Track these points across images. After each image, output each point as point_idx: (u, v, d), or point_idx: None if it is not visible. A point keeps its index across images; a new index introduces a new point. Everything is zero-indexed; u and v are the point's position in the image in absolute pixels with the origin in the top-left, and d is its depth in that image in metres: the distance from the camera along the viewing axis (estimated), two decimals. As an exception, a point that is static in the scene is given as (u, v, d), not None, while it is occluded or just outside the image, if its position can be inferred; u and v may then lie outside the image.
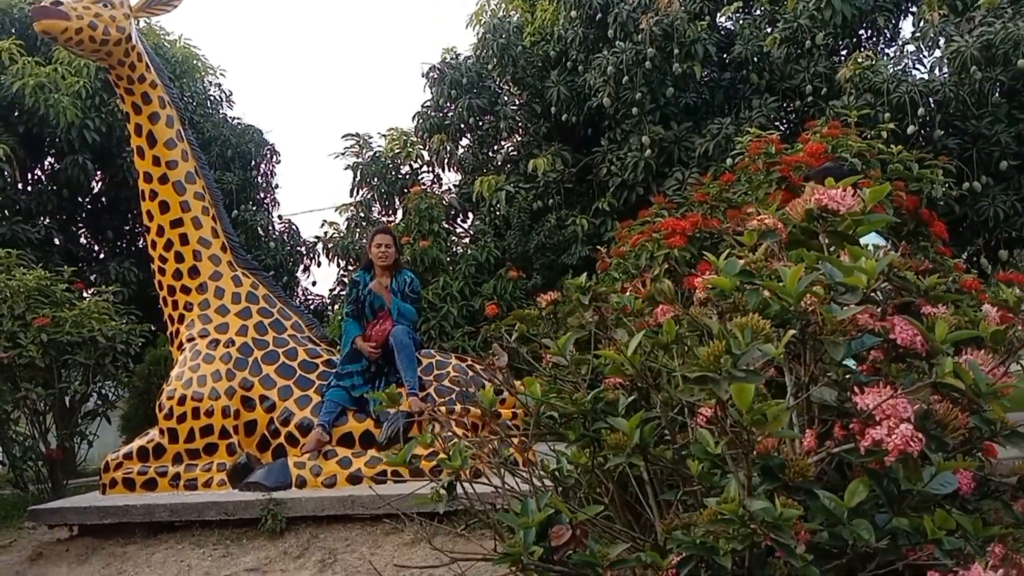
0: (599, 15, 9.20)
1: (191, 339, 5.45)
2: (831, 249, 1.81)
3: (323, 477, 4.99)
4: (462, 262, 8.78)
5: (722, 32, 9.78)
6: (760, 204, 5.12)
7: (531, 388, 2.02)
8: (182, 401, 5.19)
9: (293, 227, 12.84)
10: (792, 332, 1.32)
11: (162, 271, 5.56)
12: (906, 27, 11.10)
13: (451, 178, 11.34)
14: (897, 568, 1.57)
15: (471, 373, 5.48)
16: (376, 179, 10.77)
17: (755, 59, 9.19)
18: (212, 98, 12.38)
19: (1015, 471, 1.77)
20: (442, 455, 2.48)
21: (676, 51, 8.67)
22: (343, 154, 10.84)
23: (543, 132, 10.21)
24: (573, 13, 9.29)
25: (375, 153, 10.90)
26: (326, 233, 10.92)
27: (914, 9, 10.34)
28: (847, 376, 1.59)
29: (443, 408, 5.19)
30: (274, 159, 12.64)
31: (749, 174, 5.39)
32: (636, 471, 1.96)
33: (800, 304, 1.41)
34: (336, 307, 10.69)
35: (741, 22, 9.65)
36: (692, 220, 5.05)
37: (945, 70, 8.08)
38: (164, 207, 5.50)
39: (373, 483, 4.97)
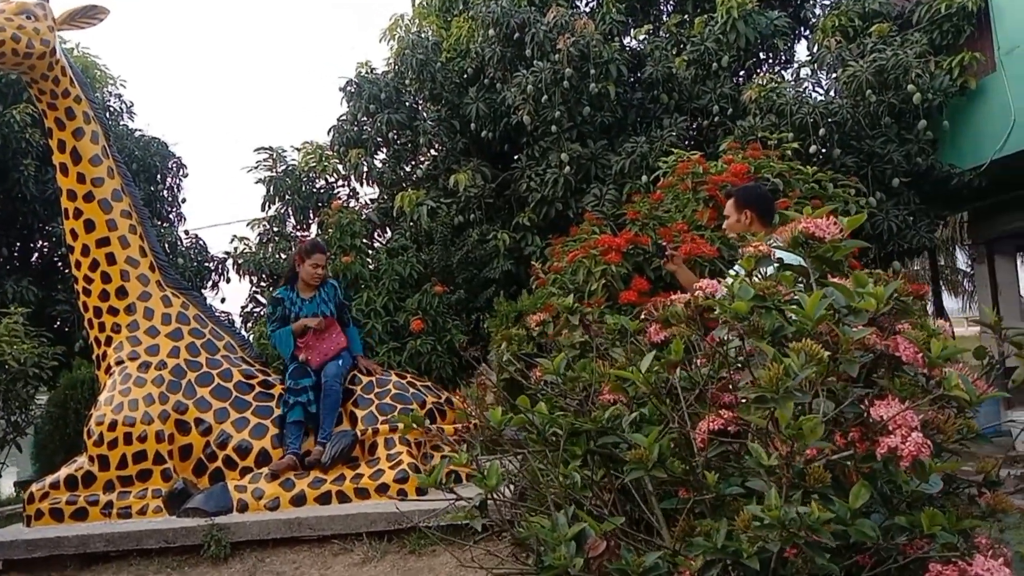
0: (516, 34, 9.38)
1: (120, 362, 5.27)
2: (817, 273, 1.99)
3: (265, 500, 4.92)
4: (385, 277, 8.74)
5: (630, 53, 10.11)
6: (688, 221, 5.38)
7: (538, 407, 2.10)
8: (113, 426, 5.02)
9: (200, 242, 12.46)
10: (827, 354, 1.46)
11: (87, 292, 5.36)
12: (800, 50, 11.77)
13: (366, 192, 11.29)
14: (890, 565, 1.74)
15: (411, 390, 5.51)
16: (290, 193, 10.61)
17: (665, 80, 9.55)
18: (113, 109, 11.91)
19: (980, 469, 1.97)
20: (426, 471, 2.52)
21: (592, 71, 8.93)
22: (256, 167, 10.62)
23: (460, 147, 10.30)
24: (491, 31, 9.43)
25: (289, 167, 10.73)
26: (236, 248, 10.65)
27: (808, 34, 11.03)
28: (845, 389, 1.75)
29: (386, 426, 5.19)
30: (181, 172, 12.26)
31: (676, 192, 5.63)
32: (639, 483, 2.09)
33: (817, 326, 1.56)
34: (250, 324, 10.43)
35: (650, 45, 10.00)
36: (626, 237, 5.25)
37: (843, 93, 8.60)
38: (89, 226, 5.32)
39: (318, 503, 4.94)
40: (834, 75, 9.11)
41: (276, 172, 10.62)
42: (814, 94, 9.49)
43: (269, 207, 10.85)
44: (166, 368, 5.26)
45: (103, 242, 5.33)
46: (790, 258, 3.63)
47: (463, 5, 11.38)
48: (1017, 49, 8.61)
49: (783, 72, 10.94)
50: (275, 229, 10.89)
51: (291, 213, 10.81)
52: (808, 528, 1.41)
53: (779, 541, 1.48)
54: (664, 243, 4.39)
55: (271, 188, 10.56)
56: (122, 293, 5.36)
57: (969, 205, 10.82)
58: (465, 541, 4.65)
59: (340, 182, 11.09)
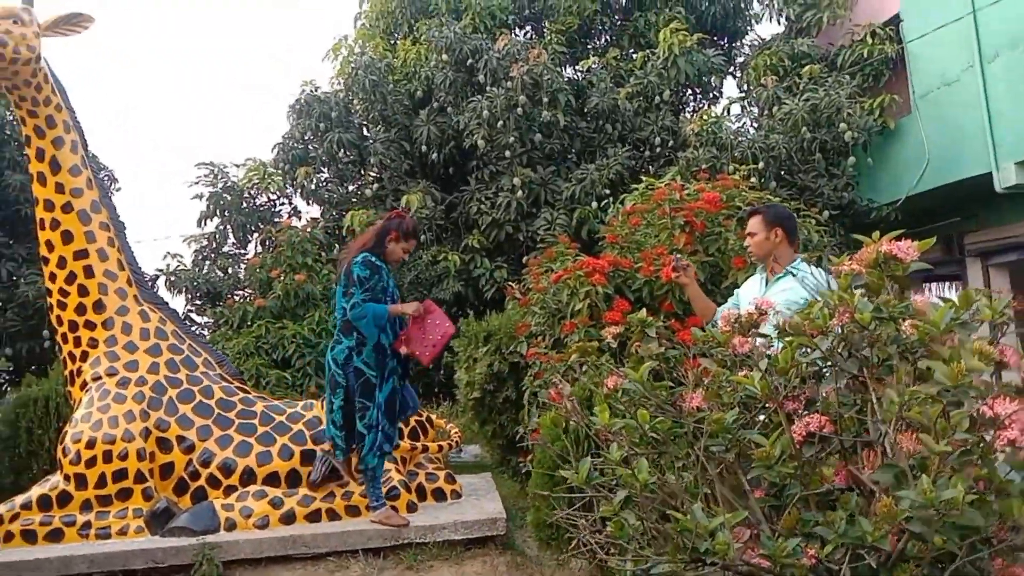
0: (469, 60, 9.58)
1: (97, 377, 5.12)
2: (893, 287, 2.23)
3: (254, 519, 4.86)
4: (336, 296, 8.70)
5: (572, 84, 10.45)
6: (664, 245, 5.66)
7: (641, 412, 2.25)
8: (91, 444, 4.86)
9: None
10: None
11: (62, 305, 5.20)
12: (728, 86, 12.41)
13: (307, 210, 11.22)
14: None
15: (395, 407, 5.55)
16: (230, 210, 10.44)
17: (609, 111, 9.92)
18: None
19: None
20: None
21: (544, 99, 9.21)
22: (196, 182, 10.41)
23: (406, 168, 10.39)
24: (444, 56, 9.61)
25: (229, 183, 10.56)
26: (169, 265, 10.38)
27: (737, 72, 11.66)
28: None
29: (374, 442, 5.21)
30: (112, 187, 11.85)
31: (650, 218, 5.91)
32: (736, 480, 2.28)
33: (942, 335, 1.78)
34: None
35: (592, 76, 10.37)
36: (608, 259, 5.47)
37: (778, 129, 9.14)
38: (67, 237, 5.17)
39: (308, 521, 4.92)
40: (768, 112, 9.67)
41: (216, 188, 10.43)
42: (751, 129, 10.04)
43: (206, 223, 10.66)
44: (146, 384, 5.14)
45: (81, 254, 5.18)
46: (824, 278, 3.86)
47: (408, 28, 11.54)
48: (931, 93, 9.37)
49: (712, 107, 11.54)
50: (213, 246, 10.70)
51: (230, 230, 10.64)
52: (955, 509, 1.62)
53: (920, 523, 1.68)
54: (676, 255, 4.48)
55: (211, 204, 10.37)
56: (99, 307, 5.21)
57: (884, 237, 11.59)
58: (460, 556, 4.77)
59: (282, 199, 11.00)
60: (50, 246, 5.18)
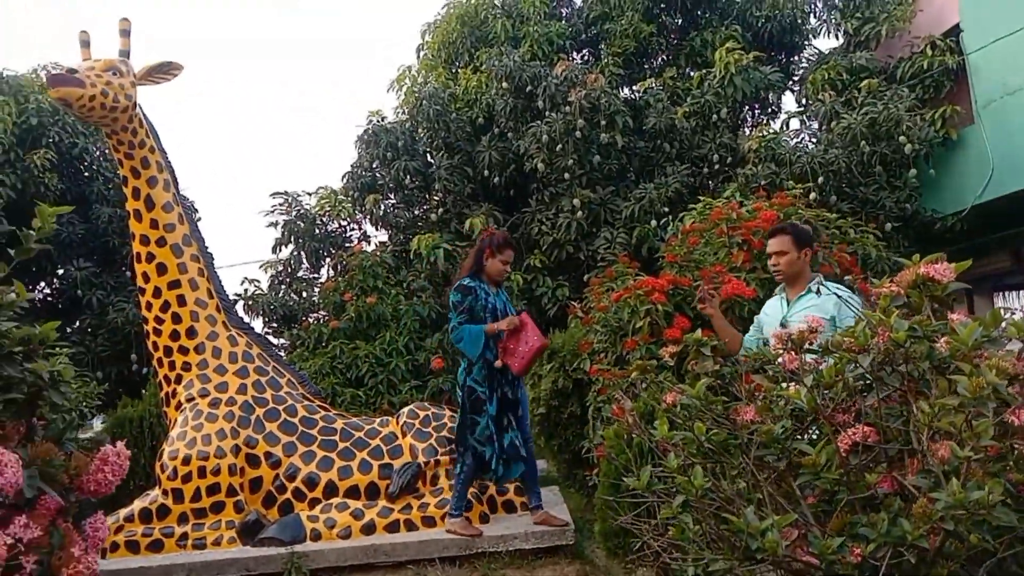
0: (528, 87, 9.88)
1: (191, 399, 5.52)
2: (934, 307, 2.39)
3: (338, 529, 5.17)
4: (405, 317, 9.06)
5: (630, 105, 10.65)
6: (723, 263, 5.81)
7: (697, 425, 2.46)
8: (187, 461, 5.24)
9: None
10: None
11: (158, 332, 5.62)
12: (787, 101, 12.46)
13: (375, 235, 11.65)
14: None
15: (466, 423, 5.82)
16: (303, 236, 10.93)
17: (667, 130, 10.10)
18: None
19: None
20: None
21: (602, 122, 9.45)
22: (272, 211, 10.93)
23: (468, 192, 10.72)
24: (504, 84, 9.93)
25: (302, 211, 11.06)
26: (247, 290, 10.90)
27: (795, 87, 11.70)
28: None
29: (446, 457, 5.49)
30: (194, 216, 12.49)
31: (708, 236, 6.07)
32: (787, 487, 2.46)
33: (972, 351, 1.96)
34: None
35: (649, 96, 10.56)
36: (667, 278, 5.65)
37: (837, 143, 9.19)
38: (161, 269, 5.59)
39: (387, 532, 5.20)
40: (826, 126, 9.73)
41: (290, 216, 10.94)
42: (809, 144, 10.09)
43: (281, 249, 11.17)
44: (235, 404, 5.52)
45: (174, 284, 5.61)
46: (846, 294, 4.02)
47: (468, 57, 11.93)
48: (993, 103, 9.31)
49: (771, 122, 11.62)
50: (288, 271, 11.20)
51: (304, 256, 11.12)
52: (984, 508, 1.79)
53: (952, 522, 1.86)
54: (702, 285, 4.73)
55: (286, 231, 10.87)
56: (192, 333, 5.62)
57: (950, 247, 11.47)
58: (531, 564, 4.99)
59: (352, 225, 11.45)
60: (146, 278, 5.60)
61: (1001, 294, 12.66)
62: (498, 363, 4.91)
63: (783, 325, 3.99)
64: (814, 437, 2.44)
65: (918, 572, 2.08)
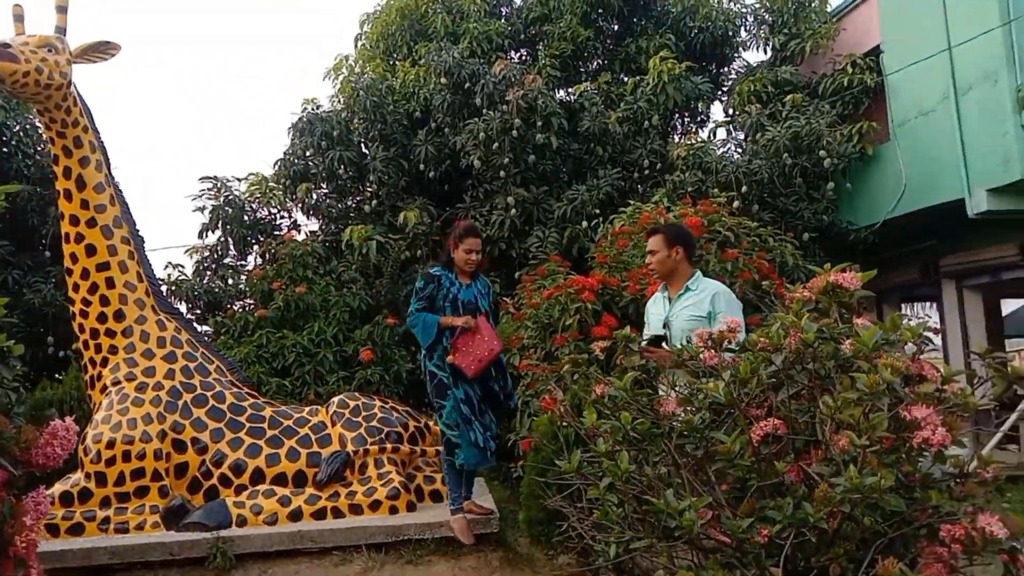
0: (467, 84, 9.97)
1: (117, 382, 5.45)
2: (841, 312, 2.61)
3: (264, 515, 5.20)
4: (335, 308, 9.04)
5: (564, 107, 10.84)
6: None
7: (623, 415, 2.62)
8: (111, 444, 5.18)
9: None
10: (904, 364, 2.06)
11: (84, 314, 5.53)
12: (715, 111, 12.85)
13: (307, 224, 11.57)
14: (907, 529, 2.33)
15: (395, 414, 5.90)
16: (232, 223, 10.77)
17: (600, 134, 10.32)
18: (43, 136, 11.77)
19: (955, 464, 2.62)
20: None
21: (538, 123, 9.61)
22: (199, 196, 10.75)
23: (403, 185, 10.75)
24: (443, 79, 10.00)
25: (231, 196, 10.90)
26: (170, 276, 10.70)
27: (724, 96, 12.10)
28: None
29: (375, 447, 5.56)
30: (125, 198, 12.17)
31: (636, 239, 6.30)
32: (704, 474, 2.64)
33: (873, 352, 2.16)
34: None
35: (583, 100, 10.76)
36: (597, 278, 5.85)
37: (761, 154, 9.56)
38: (91, 250, 5.50)
39: (314, 519, 5.25)
40: (751, 137, 10.10)
41: (219, 201, 10.77)
42: (735, 154, 10.47)
43: (208, 235, 10.99)
44: (163, 389, 5.47)
45: (103, 266, 5.52)
46: (723, 291, 4.16)
47: (407, 50, 11.95)
48: (908, 123, 9.83)
49: (699, 131, 11.99)
50: (214, 257, 11.03)
51: (231, 242, 10.97)
52: (877, 493, 1.99)
53: (849, 505, 2.06)
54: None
55: (214, 216, 10.70)
56: (120, 316, 5.55)
57: (862, 259, 12.05)
58: (457, 552, 5.11)
59: (282, 214, 11.35)
60: (74, 258, 5.51)
61: (910, 305, 13.35)
62: (449, 358, 4.83)
63: (666, 324, 4.20)
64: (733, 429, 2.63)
65: (818, 551, 2.29)
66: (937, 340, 2.57)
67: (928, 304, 13.82)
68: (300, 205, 10.75)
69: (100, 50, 5.50)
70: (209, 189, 10.78)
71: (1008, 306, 15.66)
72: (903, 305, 12.61)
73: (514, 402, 5.28)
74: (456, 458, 4.86)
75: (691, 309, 4.10)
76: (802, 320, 2.34)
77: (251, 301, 9.96)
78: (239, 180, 11.21)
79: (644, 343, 3.53)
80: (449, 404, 4.88)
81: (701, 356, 2.76)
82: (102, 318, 5.53)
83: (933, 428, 2.11)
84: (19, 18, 5.31)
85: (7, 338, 2.37)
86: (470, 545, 5.01)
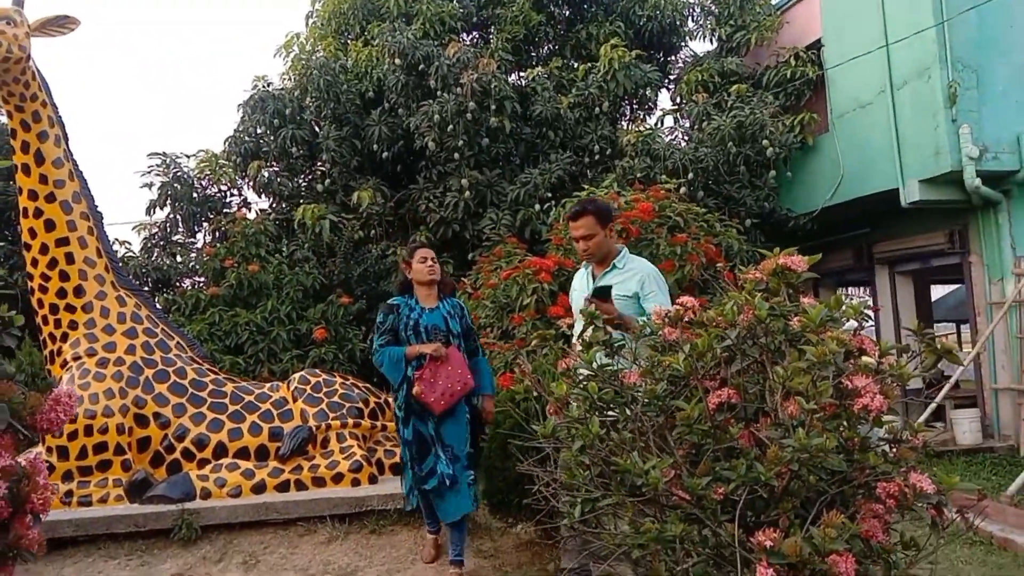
0: (421, 65, 10.05)
1: (78, 357, 5.48)
2: (788, 292, 2.86)
3: (228, 488, 5.30)
4: (288, 287, 9.09)
5: (517, 91, 11.00)
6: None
7: (590, 385, 2.83)
8: (73, 419, 5.20)
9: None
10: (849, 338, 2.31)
11: (44, 289, 5.52)
12: (662, 99, 13.14)
13: (258, 202, 11.53)
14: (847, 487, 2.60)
15: (356, 390, 6.04)
16: (181, 200, 10.69)
17: (552, 119, 10.51)
18: None
19: (890, 430, 2.90)
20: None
21: (492, 106, 9.76)
22: (148, 172, 10.63)
23: (355, 165, 10.80)
24: (397, 60, 10.06)
25: (180, 173, 10.81)
26: (117, 253, 10.57)
27: (671, 85, 12.39)
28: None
29: (337, 421, 5.70)
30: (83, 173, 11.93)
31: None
32: (664, 440, 2.87)
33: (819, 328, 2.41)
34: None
35: (535, 84, 10.93)
36: (554, 260, 6.07)
37: (707, 142, 9.87)
38: (50, 225, 5.50)
39: (277, 491, 5.37)
40: (698, 126, 10.42)
41: (168, 178, 10.67)
42: (682, 142, 10.77)
43: (156, 211, 10.88)
44: (124, 364, 5.51)
45: (62, 242, 5.52)
46: (651, 267, 4.16)
47: (359, 30, 11.95)
48: (847, 115, 10.26)
49: (647, 118, 12.27)
50: (162, 234, 10.94)
51: (180, 219, 10.89)
52: (821, 452, 2.24)
53: (797, 464, 2.31)
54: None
55: (162, 193, 10.60)
56: (79, 292, 5.56)
57: (800, 244, 12.51)
58: (418, 522, 5.30)
59: (232, 191, 11.29)
60: (33, 233, 5.50)
61: (844, 289, 13.91)
62: (415, 390, 4.30)
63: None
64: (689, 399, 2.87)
65: (768, 507, 2.54)
66: (871, 320, 2.85)
67: (861, 288, 14.44)
68: (251, 183, 10.70)
69: (59, 24, 5.47)
70: (158, 165, 10.67)
71: (937, 292, 16.45)
72: (838, 289, 13.13)
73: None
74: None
75: (617, 288, 3.90)
76: (755, 299, 2.57)
77: (202, 279, 9.93)
78: (188, 157, 11.11)
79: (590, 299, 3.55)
80: (402, 445, 4.57)
81: (661, 332, 2.99)
82: (61, 293, 5.54)
83: (872, 396, 2.37)
84: (-23, -10, 5.25)
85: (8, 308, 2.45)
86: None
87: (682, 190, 9.30)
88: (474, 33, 12.58)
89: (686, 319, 3.01)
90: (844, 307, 2.49)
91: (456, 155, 9.70)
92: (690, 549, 2.45)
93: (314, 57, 10.74)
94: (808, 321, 2.44)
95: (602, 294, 3.76)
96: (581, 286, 4.14)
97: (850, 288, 14.75)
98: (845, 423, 2.50)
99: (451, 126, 9.53)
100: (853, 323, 2.66)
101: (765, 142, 9.63)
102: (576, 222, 4.04)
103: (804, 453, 2.26)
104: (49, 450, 5.23)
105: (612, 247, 4.09)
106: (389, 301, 4.64)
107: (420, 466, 4.41)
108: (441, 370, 4.32)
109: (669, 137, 10.55)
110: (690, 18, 12.39)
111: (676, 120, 11.74)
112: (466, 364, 4.44)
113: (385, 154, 10.44)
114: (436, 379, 4.29)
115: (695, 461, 2.80)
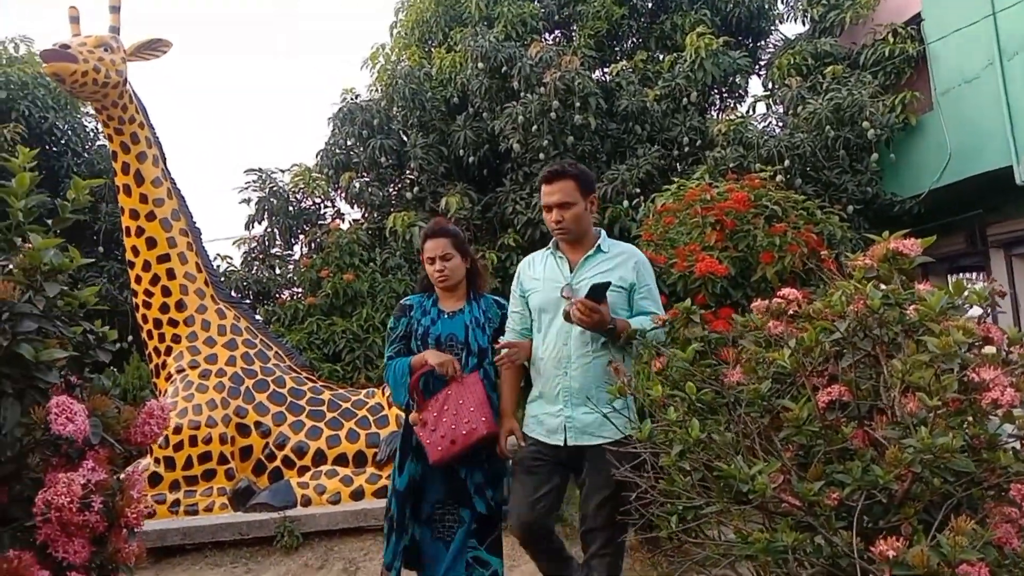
0: (503, 68, 10.02)
1: (181, 370, 5.65)
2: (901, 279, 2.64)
3: (327, 495, 5.36)
4: (381, 294, 9.19)
5: (602, 86, 10.84)
6: (696, 242, 6.07)
7: (688, 386, 2.69)
8: (178, 430, 5.38)
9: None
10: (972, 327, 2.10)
11: (147, 305, 5.72)
12: (753, 85, 12.75)
13: (350, 213, 11.74)
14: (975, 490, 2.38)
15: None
16: (277, 213, 10.97)
17: (638, 113, 10.30)
18: (92, 131, 12.06)
19: (1021, 427, 2.65)
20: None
21: (576, 104, 9.63)
22: (245, 188, 10.95)
23: (442, 171, 10.85)
24: (480, 64, 10.05)
25: (276, 188, 11.10)
26: (219, 267, 10.93)
27: (762, 71, 11.99)
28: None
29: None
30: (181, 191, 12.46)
31: (682, 216, 6.32)
32: (770, 443, 2.70)
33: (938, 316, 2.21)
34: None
35: (620, 79, 10.74)
36: (646, 256, 5.88)
37: (802, 128, 9.48)
38: (151, 243, 5.69)
39: (375, 498, 5.40)
40: (792, 111, 10.02)
41: (264, 193, 10.97)
42: (776, 128, 10.39)
43: (254, 226, 11.20)
44: (225, 376, 5.66)
45: (163, 258, 5.71)
46: (638, 251, 3.76)
47: (443, 36, 12.01)
48: (951, 91, 9.68)
49: (738, 106, 11.89)
50: (261, 247, 11.25)
51: (277, 232, 11.18)
52: (947, 452, 2.04)
53: (920, 466, 2.11)
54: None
55: (260, 208, 10.90)
56: (181, 306, 5.74)
57: (907, 230, 11.89)
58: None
59: (326, 203, 11.53)
60: (135, 251, 5.70)
61: (956, 275, 13.16)
62: (412, 417, 3.33)
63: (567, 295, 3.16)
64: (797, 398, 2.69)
65: (888, 513, 2.34)
66: (1000, 307, 2.61)
67: (975, 273, 13.63)
68: (343, 194, 10.89)
69: (152, 48, 5.67)
70: (254, 181, 10.98)
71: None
72: (949, 276, 12.44)
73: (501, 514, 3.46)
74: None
75: (608, 276, 3.19)
76: (866, 287, 2.38)
77: (299, 289, 10.17)
78: (283, 171, 11.40)
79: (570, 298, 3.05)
80: (389, 494, 3.49)
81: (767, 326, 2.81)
82: (164, 308, 5.72)
83: (1002, 389, 2.15)
84: (75, 19, 5.48)
85: (102, 324, 2.49)
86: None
87: (778, 178, 8.95)
88: (556, 32, 12.47)
89: (790, 312, 2.84)
90: (967, 293, 2.27)
91: (541, 155, 9.62)
92: (803, 559, 2.28)
93: (399, 67, 10.84)
94: (927, 310, 2.23)
95: (601, 292, 3.03)
96: (553, 275, 3.28)
97: (962, 274, 13.95)
98: (971, 419, 2.29)
99: (535, 126, 9.46)
100: (977, 310, 2.44)
101: (865, 124, 9.18)
102: (551, 185, 3.22)
103: (928, 454, 2.06)
104: (157, 461, 5.40)
105: (591, 226, 3.33)
106: (402, 301, 3.63)
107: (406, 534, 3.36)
108: (450, 403, 3.22)
109: (762, 124, 10.20)
110: (779, 1, 11.96)
111: (769, 106, 11.33)
112: (487, 402, 3.25)
113: (471, 159, 10.45)
114: (442, 415, 3.21)
115: (805, 464, 2.62)
